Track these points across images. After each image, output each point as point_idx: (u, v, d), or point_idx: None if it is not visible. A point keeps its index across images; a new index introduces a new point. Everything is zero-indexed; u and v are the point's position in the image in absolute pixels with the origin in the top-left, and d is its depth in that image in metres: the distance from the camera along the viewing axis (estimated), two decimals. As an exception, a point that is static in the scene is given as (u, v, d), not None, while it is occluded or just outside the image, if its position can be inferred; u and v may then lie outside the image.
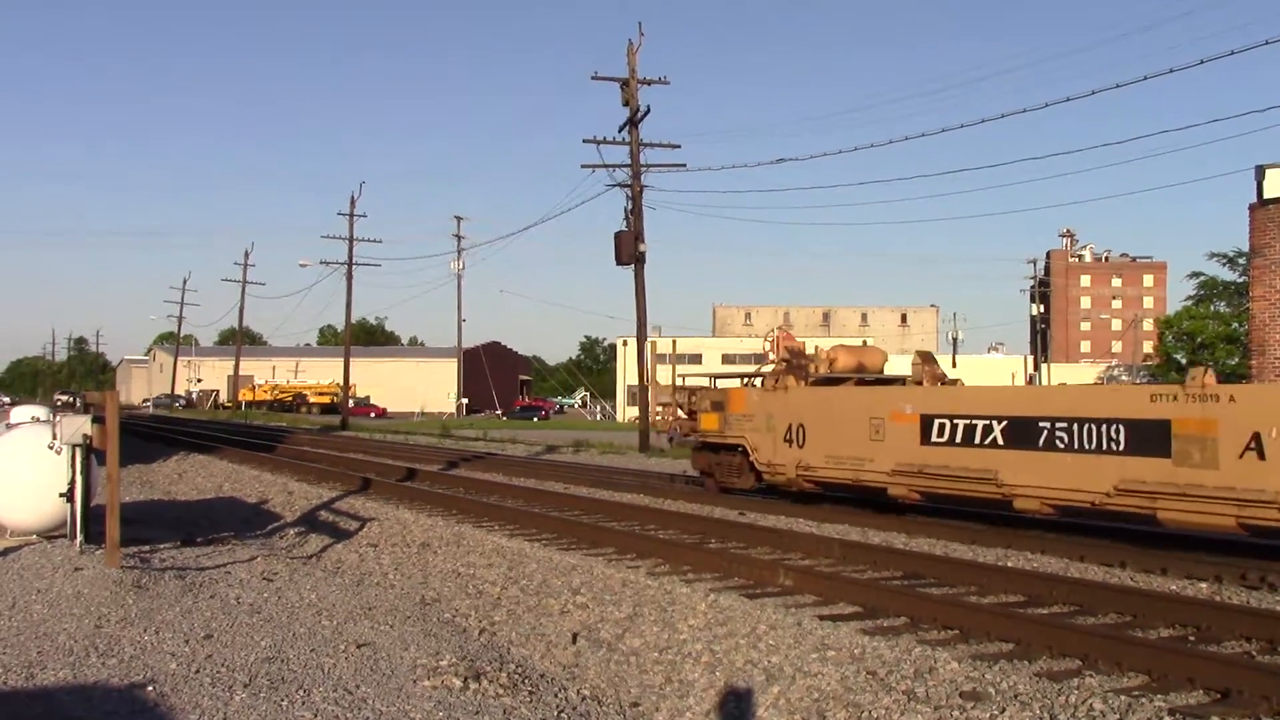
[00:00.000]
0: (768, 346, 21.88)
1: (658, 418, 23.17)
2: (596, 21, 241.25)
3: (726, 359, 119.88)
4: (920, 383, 17.77)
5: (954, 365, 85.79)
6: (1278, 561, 12.41)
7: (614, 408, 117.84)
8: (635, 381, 46.43)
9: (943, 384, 18.00)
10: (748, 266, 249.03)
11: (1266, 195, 24.73)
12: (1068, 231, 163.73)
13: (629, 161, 41.23)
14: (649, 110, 40.91)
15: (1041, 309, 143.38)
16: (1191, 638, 9.53)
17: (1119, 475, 13.22)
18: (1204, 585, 11.85)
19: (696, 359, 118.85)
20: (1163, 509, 12.84)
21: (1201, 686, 7.85)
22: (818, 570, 12.58)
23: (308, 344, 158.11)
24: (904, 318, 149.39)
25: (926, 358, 18.40)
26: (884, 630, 9.75)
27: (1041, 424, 14.18)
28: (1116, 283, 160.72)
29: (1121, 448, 13.26)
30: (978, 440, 14.98)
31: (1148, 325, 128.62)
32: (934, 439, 15.64)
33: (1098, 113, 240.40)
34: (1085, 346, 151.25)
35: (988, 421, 14.89)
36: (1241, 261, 74.60)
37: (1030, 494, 14.36)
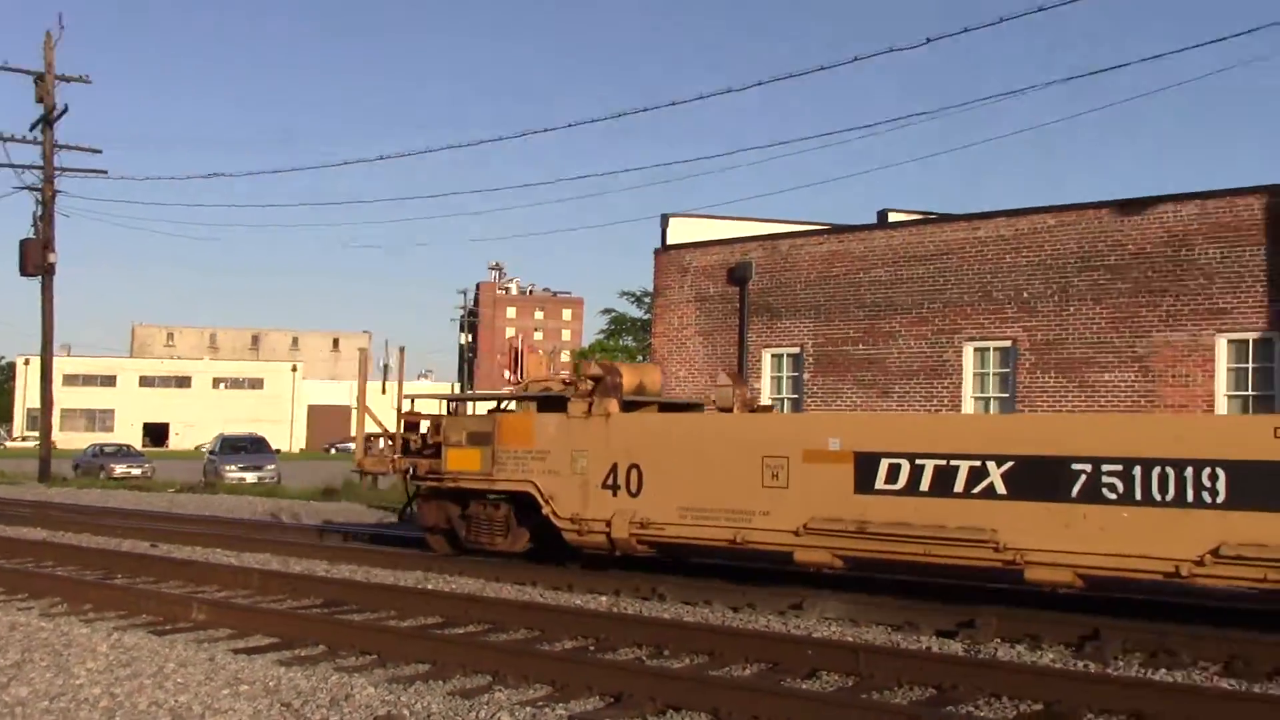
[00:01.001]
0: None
1: (368, 456, 16.95)
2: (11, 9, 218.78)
3: (145, 381, 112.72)
4: (730, 409, 14.17)
5: (383, 392, 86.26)
6: (669, 575, 13.69)
7: (9, 432, 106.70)
8: (38, 404, 42.31)
9: (753, 410, 14.79)
10: (172, 284, 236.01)
11: (669, 241, 27.34)
12: (497, 265, 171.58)
13: (41, 163, 37.90)
14: (67, 109, 38.01)
15: (470, 338, 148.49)
16: (591, 647, 10.22)
17: (1216, 537, 10.14)
18: (604, 598, 12.80)
19: (110, 380, 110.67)
20: None
21: (598, 692, 8.43)
22: (234, 602, 12.13)
23: None
24: (336, 342, 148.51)
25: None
26: (301, 660, 9.56)
27: (1077, 466, 10.78)
28: (539, 315, 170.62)
29: (1222, 499, 10.15)
30: (960, 488, 11.34)
31: (565, 356, 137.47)
32: (880, 486, 11.83)
33: (529, 154, 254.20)
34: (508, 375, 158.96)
35: (978, 462, 11.27)
36: (647, 300, 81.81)
37: (1054, 560, 10.86)
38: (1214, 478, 10.19)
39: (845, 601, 11.93)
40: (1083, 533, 10.75)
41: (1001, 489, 11.20)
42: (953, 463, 11.46)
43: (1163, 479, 10.42)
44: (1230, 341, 19.14)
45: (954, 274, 22.04)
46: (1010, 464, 11.17)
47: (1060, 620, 10.86)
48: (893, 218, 26.28)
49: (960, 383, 21.97)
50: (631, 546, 13.70)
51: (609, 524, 13.73)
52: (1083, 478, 10.79)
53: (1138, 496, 10.52)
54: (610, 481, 13.90)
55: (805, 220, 28.68)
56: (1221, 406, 19.07)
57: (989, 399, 21.82)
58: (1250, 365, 19.06)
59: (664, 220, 27.89)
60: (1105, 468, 10.68)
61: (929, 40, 25.61)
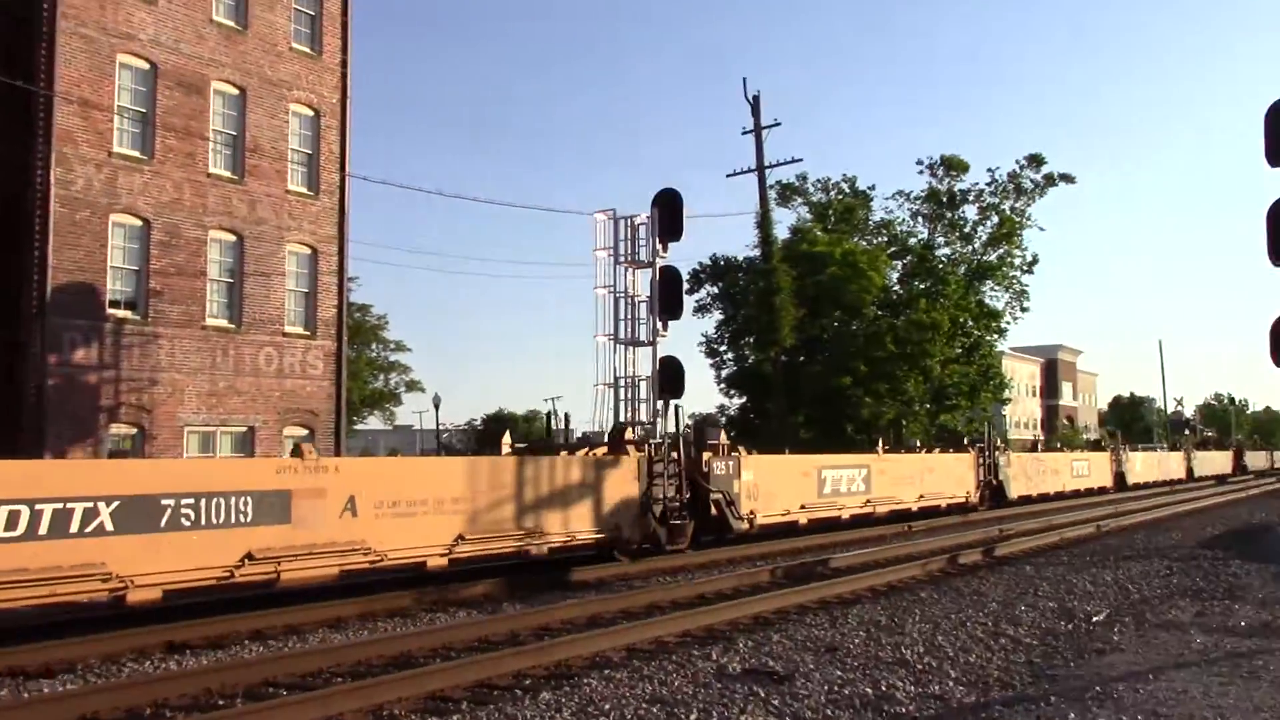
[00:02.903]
0: None
1: None
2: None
3: None
4: None
5: None
6: None
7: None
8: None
9: None
10: None
11: None
12: None
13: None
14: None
15: None
16: None
17: (247, 546, 13.77)
18: None
19: None
20: (286, 570, 14.06)
21: None
22: None
23: None
24: None
25: None
26: None
27: (165, 501, 13.17)
28: None
29: (250, 519, 13.82)
30: (74, 529, 12.32)
31: None
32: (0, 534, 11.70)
33: None
34: None
35: (90, 504, 12.48)
36: None
37: (151, 581, 12.93)
38: (246, 504, 13.96)
39: None
40: (169, 555, 13.18)
41: (110, 526, 12.69)
42: (67, 505, 12.33)
43: (218, 507, 13.70)
44: None
45: None
46: (118, 504, 12.77)
47: None
48: None
49: None
50: None
51: None
52: (169, 511, 13.26)
53: (203, 522, 13.53)
54: None
55: None
56: None
57: None
58: None
59: None
60: (184, 502, 13.44)
61: None
